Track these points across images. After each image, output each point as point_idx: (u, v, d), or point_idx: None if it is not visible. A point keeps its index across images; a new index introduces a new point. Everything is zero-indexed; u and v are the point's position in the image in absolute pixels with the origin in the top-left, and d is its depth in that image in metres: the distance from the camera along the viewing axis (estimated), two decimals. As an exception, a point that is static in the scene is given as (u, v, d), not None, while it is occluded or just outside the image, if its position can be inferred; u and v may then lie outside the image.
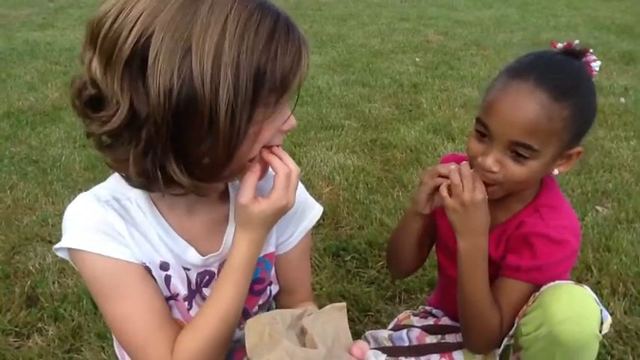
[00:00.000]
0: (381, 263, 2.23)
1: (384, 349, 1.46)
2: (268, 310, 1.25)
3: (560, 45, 1.28)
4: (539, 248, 1.26)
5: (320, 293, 2.03)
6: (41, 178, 2.86)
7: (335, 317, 0.98)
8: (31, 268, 2.13)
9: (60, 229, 2.37)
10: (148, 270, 1.03)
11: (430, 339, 1.51)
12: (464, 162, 1.29)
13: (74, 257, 1.00)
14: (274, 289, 1.21)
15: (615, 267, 2.16)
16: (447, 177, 1.28)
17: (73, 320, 1.86)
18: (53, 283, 2.05)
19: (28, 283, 2.04)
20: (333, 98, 4.25)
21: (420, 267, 1.61)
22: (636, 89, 4.49)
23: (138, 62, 0.83)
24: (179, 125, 0.85)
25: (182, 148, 0.87)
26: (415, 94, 4.38)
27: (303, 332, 0.93)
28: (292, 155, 3.31)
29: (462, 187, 1.24)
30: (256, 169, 0.97)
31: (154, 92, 0.83)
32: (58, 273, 2.11)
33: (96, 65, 0.86)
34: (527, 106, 1.17)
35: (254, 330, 0.89)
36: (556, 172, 1.29)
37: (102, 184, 1.05)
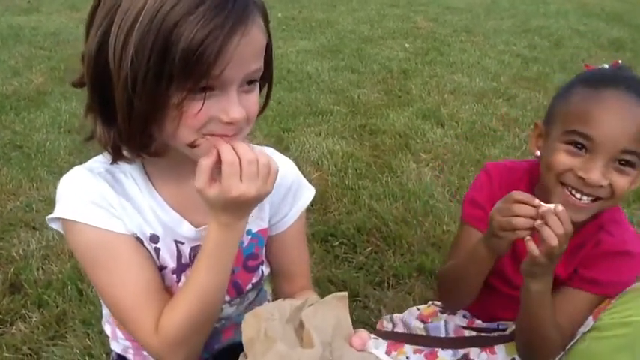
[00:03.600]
0: (370, 249, 2.23)
1: (417, 338, 1.43)
2: (259, 292, 1.23)
3: (605, 65, 1.28)
4: (620, 264, 1.25)
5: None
6: (25, 163, 2.82)
7: (336, 307, 0.97)
8: (14, 254, 2.10)
9: (44, 215, 2.34)
10: (140, 241, 1.02)
11: (469, 332, 1.46)
12: (547, 209, 1.09)
13: (66, 228, 1.00)
14: (265, 270, 1.20)
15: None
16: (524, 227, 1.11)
17: (57, 307, 1.84)
18: (37, 269, 2.02)
19: (12, 269, 2.01)
20: (322, 84, 4.22)
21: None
22: (625, 76, 4.49)
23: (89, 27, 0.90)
24: (99, 91, 0.89)
25: (110, 113, 0.90)
26: (405, 80, 4.37)
27: (301, 325, 0.91)
28: (280, 141, 3.30)
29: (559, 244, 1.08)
30: (212, 153, 0.91)
31: (85, 57, 0.89)
32: (42, 259, 2.08)
33: None
34: (632, 113, 1.15)
35: (251, 325, 0.88)
36: (633, 186, 1.25)
37: (97, 158, 1.04)
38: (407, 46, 5.36)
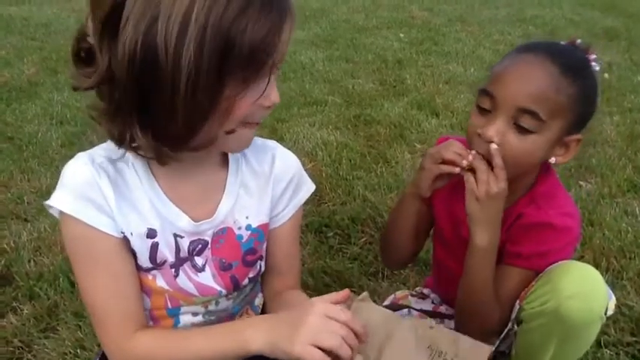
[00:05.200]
0: (364, 239, 2.21)
1: None
2: (255, 284, 1.22)
3: (562, 42, 1.27)
4: (541, 236, 1.24)
5: (302, 270, 2.00)
6: (16, 155, 2.79)
7: (366, 306, 1.03)
8: (5, 246, 2.07)
9: (36, 207, 2.34)
10: (127, 242, 1.01)
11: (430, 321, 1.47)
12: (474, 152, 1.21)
13: (60, 215, 1.00)
14: (264, 265, 1.18)
15: (598, 241, 2.15)
16: (452, 163, 1.21)
17: (48, 299, 1.82)
18: (29, 261, 2.00)
19: (3, 261, 1.99)
20: (316, 74, 4.19)
21: (415, 256, 1.55)
22: (620, 65, 4.49)
23: (113, 22, 0.82)
24: (143, 92, 0.85)
25: (148, 114, 0.87)
26: (399, 70, 4.34)
27: None
28: (274, 131, 3.28)
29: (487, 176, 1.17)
30: None
31: (121, 56, 0.82)
32: (33, 251, 2.06)
33: (89, 20, 0.87)
34: (536, 74, 1.15)
35: None
36: (553, 160, 1.25)
37: (103, 145, 1.03)
38: (402, 35, 5.33)
